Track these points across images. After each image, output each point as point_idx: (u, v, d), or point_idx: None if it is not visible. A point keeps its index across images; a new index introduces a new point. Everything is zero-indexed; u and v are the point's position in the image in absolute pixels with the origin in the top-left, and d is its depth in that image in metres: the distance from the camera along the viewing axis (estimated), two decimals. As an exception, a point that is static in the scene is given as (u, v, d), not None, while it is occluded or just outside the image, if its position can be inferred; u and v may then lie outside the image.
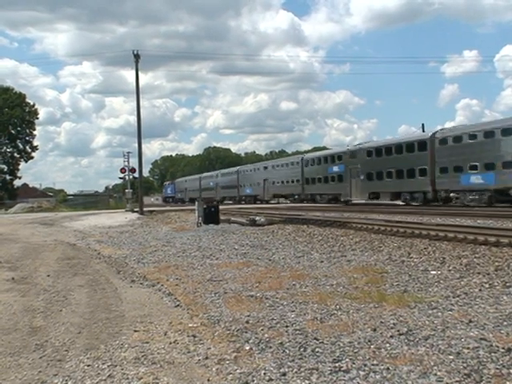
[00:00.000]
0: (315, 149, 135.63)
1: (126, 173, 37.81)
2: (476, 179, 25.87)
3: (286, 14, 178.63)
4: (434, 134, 29.30)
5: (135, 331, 5.28)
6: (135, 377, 4.00)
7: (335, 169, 37.05)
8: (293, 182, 43.39)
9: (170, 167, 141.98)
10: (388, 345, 4.49)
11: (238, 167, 61.12)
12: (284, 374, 3.92)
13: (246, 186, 53.16)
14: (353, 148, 37.21)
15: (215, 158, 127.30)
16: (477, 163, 25.75)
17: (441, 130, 30.23)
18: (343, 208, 29.49)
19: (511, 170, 24.11)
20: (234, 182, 55.88)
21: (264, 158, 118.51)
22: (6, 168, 70.17)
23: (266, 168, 49.56)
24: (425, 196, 29.20)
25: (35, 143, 71.83)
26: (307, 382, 3.78)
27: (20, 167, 71.47)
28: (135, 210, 34.29)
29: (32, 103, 71.07)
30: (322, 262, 9.55)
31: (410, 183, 30.04)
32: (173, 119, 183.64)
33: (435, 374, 3.78)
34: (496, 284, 6.86)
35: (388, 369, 3.92)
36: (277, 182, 46.35)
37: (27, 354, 4.68)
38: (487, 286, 6.80)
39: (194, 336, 4.99)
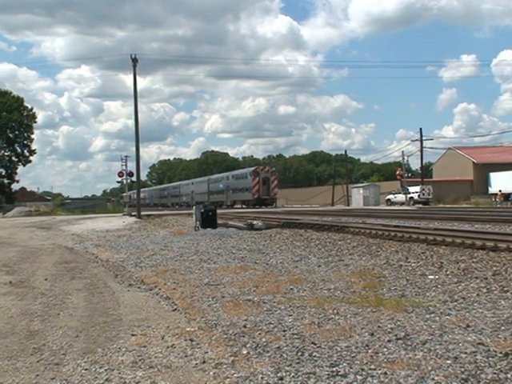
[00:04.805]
0: (312, 153, 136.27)
1: (124, 177, 37.75)
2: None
3: (285, 19, 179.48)
4: (252, 170, 53.13)
5: (133, 335, 5.27)
6: (132, 381, 4.00)
7: (221, 186, 59.96)
8: (204, 193, 64.56)
9: (168, 171, 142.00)
10: (385, 349, 4.49)
11: (179, 182, 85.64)
12: (281, 379, 3.92)
13: (184, 195, 73.54)
14: (226, 174, 63.97)
15: (213, 162, 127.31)
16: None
17: (257, 167, 54.59)
18: (341, 212, 29.51)
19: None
20: (178, 192, 76.85)
21: (262, 162, 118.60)
22: (3, 172, 70.06)
23: (193, 183, 72.10)
24: (250, 202, 50.89)
25: (33, 147, 71.88)
26: (305, 386, 3.78)
27: (18, 171, 71.45)
28: (133, 213, 34.24)
29: (30, 107, 71.15)
30: (319, 266, 9.54)
31: (243, 195, 53.04)
32: (171, 123, 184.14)
33: (433, 379, 3.78)
34: (494, 289, 6.86)
35: (385, 373, 3.92)
36: (199, 193, 66.85)
37: (24, 357, 4.67)
38: (485, 290, 6.81)
39: (192, 340, 4.98)
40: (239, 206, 53.07)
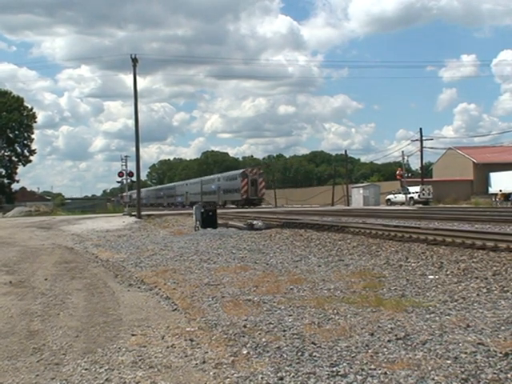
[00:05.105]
0: (312, 153, 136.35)
1: (124, 177, 37.73)
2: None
3: (285, 19, 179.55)
4: (241, 172, 56.53)
5: (133, 335, 5.27)
6: (132, 381, 4.00)
7: (213, 187, 63.02)
8: (197, 193, 66.67)
9: (168, 171, 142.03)
10: (385, 349, 4.49)
11: (174, 183, 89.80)
12: (281, 379, 3.91)
13: (179, 196, 76.84)
14: (217, 175, 67.24)
15: (213, 162, 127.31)
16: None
17: (245, 170, 58.00)
18: (341, 212, 29.54)
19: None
20: (173, 193, 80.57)
21: (262, 162, 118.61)
22: (4, 172, 70.08)
23: (187, 185, 74.96)
24: (239, 202, 53.96)
25: (33, 147, 71.93)
26: (305, 386, 3.78)
27: (18, 171, 71.50)
28: (133, 213, 34.25)
29: (30, 107, 71.18)
30: (319, 266, 9.54)
31: (233, 196, 56.71)
32: (171, 123, 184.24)
33: (433, 379, 3.78)
34: (494, 289, 6.86)
35: (385, 373, 3.92)
36: (192, 193, 69.54)
37: (24, 357, 4.67)
38: (485, 290, 6.81)
39: (192, 340, 4.98)
40: (231, 206, 54.97)
